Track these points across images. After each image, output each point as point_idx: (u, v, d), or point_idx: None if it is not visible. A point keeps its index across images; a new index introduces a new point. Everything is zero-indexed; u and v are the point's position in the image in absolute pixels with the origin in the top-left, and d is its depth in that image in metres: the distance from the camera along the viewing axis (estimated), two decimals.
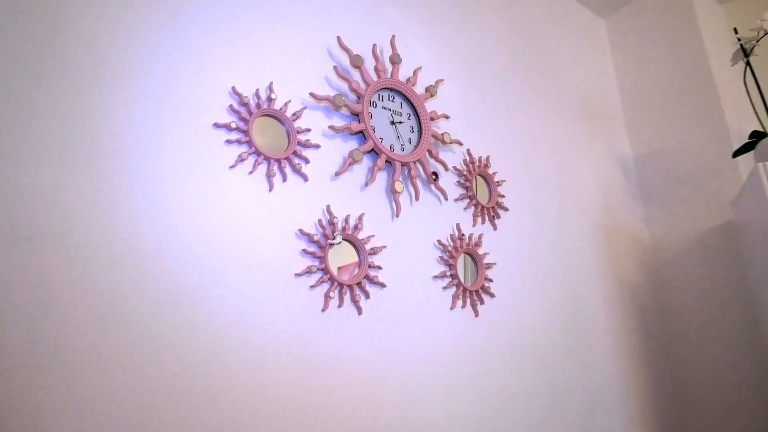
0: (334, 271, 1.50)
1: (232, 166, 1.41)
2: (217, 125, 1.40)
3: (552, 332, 2.00)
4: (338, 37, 1.70)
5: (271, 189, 1.46)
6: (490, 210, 1.96)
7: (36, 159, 1.15)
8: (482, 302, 1.82)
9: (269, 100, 1.51)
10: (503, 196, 2.03)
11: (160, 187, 1.29)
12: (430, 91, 1.86)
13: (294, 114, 1.54)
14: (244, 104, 1.46)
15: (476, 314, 1.79)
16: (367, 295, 1.55)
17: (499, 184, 2.02)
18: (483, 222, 1.93)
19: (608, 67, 2.87)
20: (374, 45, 1.78)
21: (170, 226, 1.28)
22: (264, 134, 1.49)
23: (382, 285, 1.59)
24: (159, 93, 1.35)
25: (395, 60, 1.80)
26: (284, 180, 1.49)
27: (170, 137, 1.33)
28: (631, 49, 2.86)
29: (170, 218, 1.28)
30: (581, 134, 2.53)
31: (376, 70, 1.75)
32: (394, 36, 1.84)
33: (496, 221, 1.97)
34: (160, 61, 1.37)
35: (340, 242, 1.51)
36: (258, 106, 1.48)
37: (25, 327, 1.06)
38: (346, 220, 1.56)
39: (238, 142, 1.43)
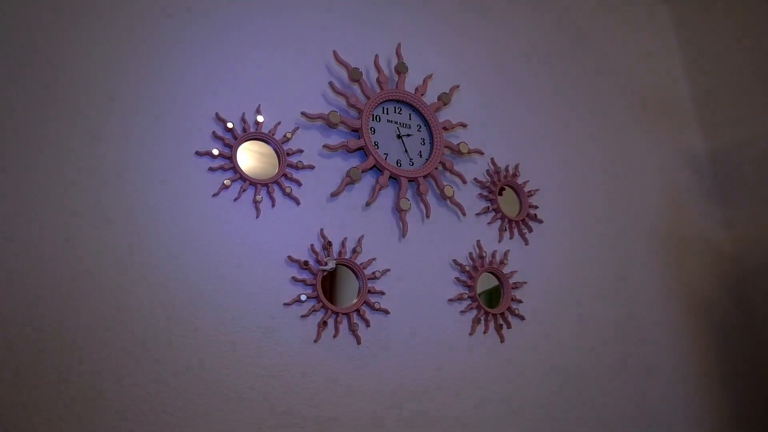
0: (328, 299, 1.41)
1: (215, 194, 1.37)
2: (198, 153, 1.37)
3: (600, 357, 1.78)
4: (334, 52, 1.62)
5: (258, 215, 1.40)
6: (519, 223, 1.78)
7: (18, 192, 1.18)
8: (509, 326, 1.64)
9: (256, 123, 1.46)
10: (536, 207, 1.84)
11: (140, 221, 1.27)
12: (443, 99, 1.73)
13: (284, 136, 1.48)
14: (229, 130, 1.42)
15: (502, 339, 1.62)
16: (368, 324, 1.44)
17: (530, 194, 1.84)
18: (511, 237, 1.76)
19: (673, 55, 2.57)
20: (376, 55, 1.68)
21: (148, 259, 1.25)
22: (252, 159, 1.44)
23: (386, 312, 1.48)
24: (140, 123, 1.33)
25: (401, 69, 1.69)
26: (273, 205, 1.43)
27: (151, 168, 1.31)
28: (701, 32, 2.54)
29: (148, 252, 1.26)
30: (639, 131, 2.26)
31: (379, 82, 1.65)
32: (399, 44, 1.73)
33: (528, 235, 1.79)
34: (141, 89, 1.36)
35: (333, 268, 1.42)
36: (244, 130, 1.44)
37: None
38: (343, 244, 1.47)
39: (222, 169, 1.39)
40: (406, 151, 1.64)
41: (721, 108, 2.41)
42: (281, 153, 1.47)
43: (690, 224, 2.22)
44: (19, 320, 1.11)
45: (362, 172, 1.54)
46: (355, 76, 1.61)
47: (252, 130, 1.45)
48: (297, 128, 1.51)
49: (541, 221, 1.83)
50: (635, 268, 2.00)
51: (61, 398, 1.10)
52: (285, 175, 1.46)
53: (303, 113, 1.52)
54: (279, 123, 1.49)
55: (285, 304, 1.36)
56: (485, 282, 1.67)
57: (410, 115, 1.69)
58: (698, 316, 2.05)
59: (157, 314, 1.23)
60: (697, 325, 2.03)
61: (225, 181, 1.38)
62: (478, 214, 1.73)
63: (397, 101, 1.68)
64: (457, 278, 1.62)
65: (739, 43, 2.39)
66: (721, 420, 1.94)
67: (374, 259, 1.50)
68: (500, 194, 1.80)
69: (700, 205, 2.29)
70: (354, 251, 1.48)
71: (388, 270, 1.51)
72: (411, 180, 1.61)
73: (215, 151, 1.39)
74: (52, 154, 1.23)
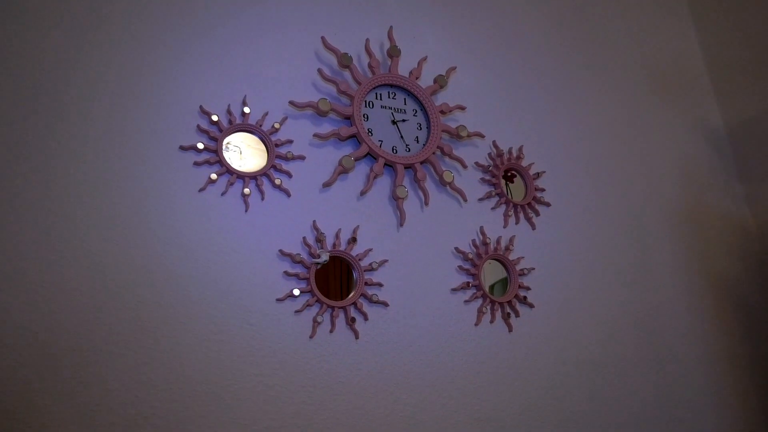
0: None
1: (201, 189, 1.32)
2: (183, 148, 1.33)
3: (617, 345, 1.69)
4: (322, 37, 1.57)
5: (247, 209, 1.36)
6: (525, 207, 1.71)
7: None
8: (517, 315, 1.57)
9: (243, 114, 1.41)
10: (542, 190, 1.76)
11: (124, 219, 1.23)
12: (440, 82, 1.66)
13: (272, 126, 1.43)
14: (214, 123, 1.37)
15: (510, 329, 1.55)
16: (365, 317, 1.39)
17: (536, 176, 1.76)
18: (517, 222, 1.68)
19: (686, 25, 2.45)
20: (367, 40, 1.62)
21: (133, 258, 1.21)
22: (240, 151, 1.40)
23: (385, 304, 1.42)
24: (122, 119, 1.29)
25: (393, 53, 1.62)
26: (262, 198, 1.38)
27: (134, 165, 1.27)
28: (716, 1, 2.42)
29: (133, 251, 1.22)
30: (653, 106, 2.16)
31: (370, 67, 1.59)
32: (391, 27, 1.67)
33: (535, 219, 1.71)
34: (122, 84, 1.32)
35: (326, 260, 1.36)
36: (230, 122, 1.39)
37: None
38: (337, 236, 1.42)
39: (208, 163, 1.34)
40: (401, 137, 1.58)
41: (741, 79, 2.29)
42: (269, 144, 1.42)
43: (710, 202, 2.11)
44: (6, 323, 1.08)
45: (355, 160, 1.49)
46: (345, 61, 1.55)
47: (238, 121, 1.40)
48: (285, 118, 1.46)
49: (548, 204, 1.75)
50: (652, 249, 1.90)
51: (45, 403, 1.07)
52: (274, 167, 1.41)
53: (291, 102, 1.47)
54: (266, 113, 1.44)
55: (278, 300, 1.32)
56: (496, 271, 1.61)
57: (405, 99, 1.62)
58: (721, 297, 1.95)
59: (143, 314, 1.19)
60: (720, 308, 1.93)
61: (211, 176, 1.33)
62: (480, 200, 1.66)
63: (391, 86, 1.61)
64: (459, 267, 1.55)
65: (756, 12, 2.27)
66: (748, 405, 1.84)
67: (371, 249, 1.44)
68: (511, 181, 1.73)
69: (721, 181, 2.18)
70: (349, 242, 1.42)
71: (386, 261, 1.45)
72: (408, 167, 1.55)
73: (200, 145, 1.34)
74: (32, 151, 1.20)
